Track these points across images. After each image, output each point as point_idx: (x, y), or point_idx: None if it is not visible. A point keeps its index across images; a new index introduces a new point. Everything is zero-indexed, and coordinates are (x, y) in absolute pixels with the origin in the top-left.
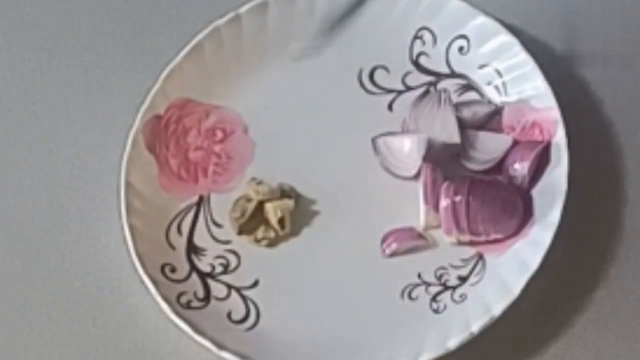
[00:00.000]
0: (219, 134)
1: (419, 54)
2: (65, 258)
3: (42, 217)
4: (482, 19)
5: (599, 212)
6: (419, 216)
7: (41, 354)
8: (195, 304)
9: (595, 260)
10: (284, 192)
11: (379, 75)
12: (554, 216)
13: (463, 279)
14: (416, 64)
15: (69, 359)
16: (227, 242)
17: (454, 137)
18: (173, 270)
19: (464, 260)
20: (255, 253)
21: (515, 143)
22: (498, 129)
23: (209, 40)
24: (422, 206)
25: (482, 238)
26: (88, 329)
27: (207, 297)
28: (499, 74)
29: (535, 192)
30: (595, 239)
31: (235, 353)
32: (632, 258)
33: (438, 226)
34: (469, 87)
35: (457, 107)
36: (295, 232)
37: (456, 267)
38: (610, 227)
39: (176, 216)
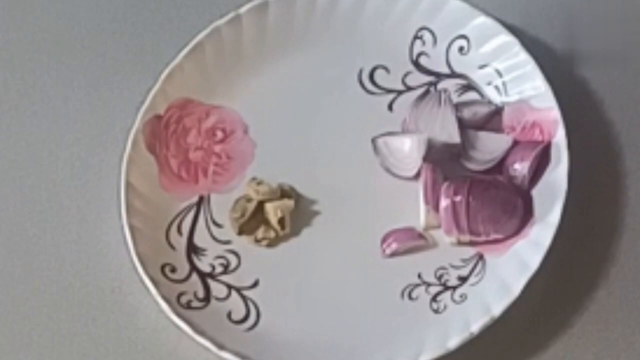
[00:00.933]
0: (219, 134)
1: (419, 54)
2: (65, 258)
3: (42, 217)
4: (482, 19)
5: (599, 212)
6: (419, 216)
7: (41, 354)
8: (195, 304)
9: (595, 260)
10: (284, 192)
11: (379, 75)
12: (554, 216)
13: (463, 279)
14: (416, 64)
15: (69, 359)
16: (227, 242)
17: (454, 137)
18: (173, 270)
19: (464, 260)
20: (255, 253)
21: (516, 143)
22: (498, 129)
23: (209, 40)
24: (422, 206)
25: (482, 238)
26: (88, 329)
27: (207, 297)
28: (499, 74)
29: (535, 192)
30: (595, 239)
31: (235, 353)
32: (632, 258)
33: (438, 226)
34: (469, 87)
35: (458, 107)
36: (295, 232)
37: (456, 267)
38: (610, 227)
39: (176, 216)
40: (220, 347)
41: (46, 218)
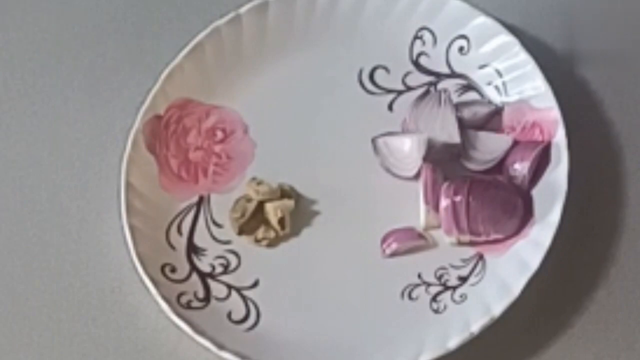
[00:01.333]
0: (219, 134)
1: (419, 54)
2: (65, 258)
3: (42, 217)
4: (482, 19)
5: (599, 212)
6: (419, 216)
7: (41, 354)
8: (195, 304)
9: (595, 260)
10: (284, 192)
11: (379, 75)
12: (554, 216)
13: (463, 279)
14: (416, 64)
15: (69, 359)
16: (227, 242)
17: (454, 137)
18: (173, 270)
19: (464, 260)
20: (255, 253)
21: (516, 143)
22: (498, 129)
23: (209, 40)
24: (422, 206)
25: (482, 238)
26: (88, 329)
27: (207, 297)
28: (499, 74)
29: (535, 192)
30: (595, 239)
31: (235, 353)
32: (632, 258)
33: (438, 226)
34: (469, 87)
35: (458, 107)
36: (295, 232)
37: (456, 267)
38: (610, 227)
39: (176, 216)
40: (220, 347)
41: (46, 218)
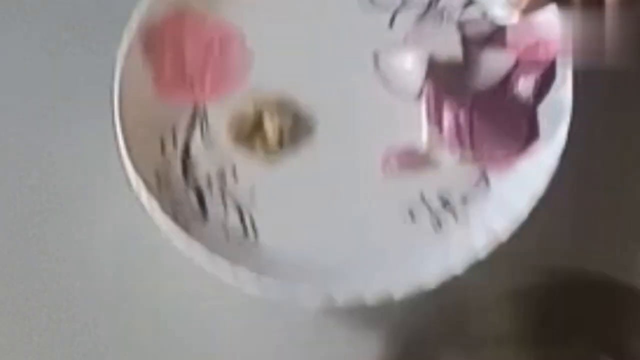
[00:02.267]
0: (217, 45)
1: None
2: (65, 258)
3: (42, 217)
4: None
5: (599, 208)
6: (421, 134)
7: (41, 354)
8: (192, 219)
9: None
10: (283, 106)
11: None
12: (560, 135)
13: (466, 200)
14: None
15: (69, 359)
16: (223, 156)
17: (457, 54)
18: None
19: (467, 179)
20: (253, 168)
21: (519, 61)
22: (502, 47)
23: None
24: (424, 124)
25: (486, 156)
26: (88, 329)
27: (204, 213)
28: None
29: (540, 110)
30: (595, 238)
31: (233, 268)
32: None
33: (441, 144)
34: (473, 4)
35: (461, 24)
36: (293, 147)
37: (459, 187)
38: (610, 225)
39: (172, 128)
40: (218, 263)
41: (46, 218)
